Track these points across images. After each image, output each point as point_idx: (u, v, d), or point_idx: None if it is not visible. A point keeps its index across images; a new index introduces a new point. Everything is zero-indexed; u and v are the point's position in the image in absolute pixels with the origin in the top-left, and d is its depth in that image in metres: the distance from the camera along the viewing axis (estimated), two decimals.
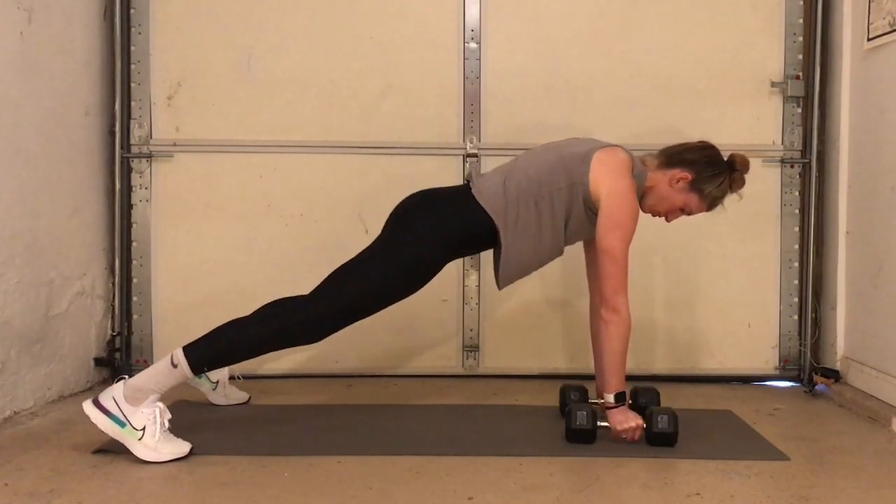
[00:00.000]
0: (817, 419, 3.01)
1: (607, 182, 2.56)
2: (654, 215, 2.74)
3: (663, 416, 2.55)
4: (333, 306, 2.52)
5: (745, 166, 2.67)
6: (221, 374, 3.00)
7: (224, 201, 3.50)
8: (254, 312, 2.55)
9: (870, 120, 3.21)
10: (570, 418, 2.58)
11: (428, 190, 2.71)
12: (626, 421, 2.56)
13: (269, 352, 2.57)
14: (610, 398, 2.58)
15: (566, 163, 2.60)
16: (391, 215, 2.67)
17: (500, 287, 2.73)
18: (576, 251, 2.89)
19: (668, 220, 2.74)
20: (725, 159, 2.67)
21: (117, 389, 2.39)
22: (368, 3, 3.49)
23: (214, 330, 2.51)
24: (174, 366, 2.43)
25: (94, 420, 2.37)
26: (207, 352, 2.47)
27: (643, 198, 2.69)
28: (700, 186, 2.64)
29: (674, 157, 2.67)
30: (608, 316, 2.55)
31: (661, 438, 2.55)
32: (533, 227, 2.60)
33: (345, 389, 3.35)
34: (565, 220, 2.61)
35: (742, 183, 2.68)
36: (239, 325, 2.52)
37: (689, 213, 2.71)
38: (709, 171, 2.64)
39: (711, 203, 2.69)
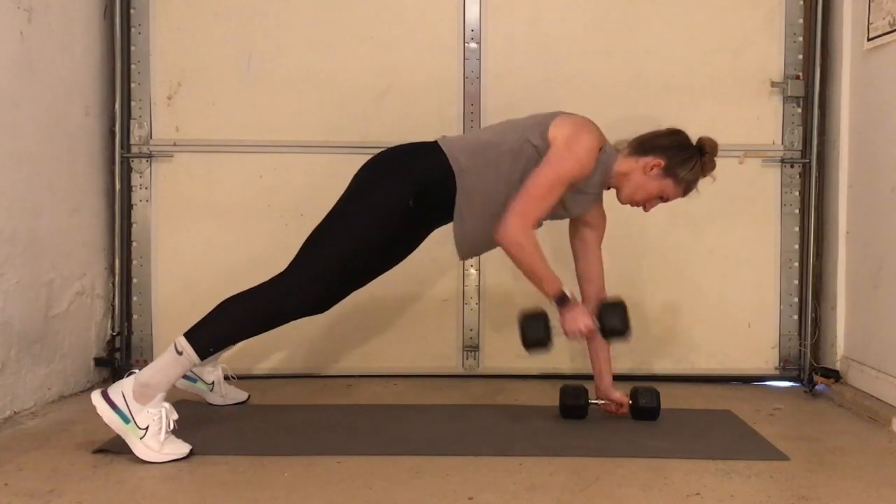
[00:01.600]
0: (817, 419, 3.02)
1: (564, 130, 2.59)
2: (632, 205, 2.75)
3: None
4: (312, 269, 2.54)
5: (714, 149, 2.69)
6: (216, 374, 2.99)
7: (224, 201, 3.50)
8: (246, 289, 2.56)
9: (870, 120, 3.21)
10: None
11: (391, 147, 2.76)
12: (574, 321, 2.56)
13: (269, 327, 2.56)
14: (553, 302, 2.57)
15: (535, 120, 2.65)
16: (355, 174, 2.71)
17: (461, 256, 2.76)
18: (566, 255, 2.90)
19: (645, 209, 2.75)
20: (694, 143, 2.70)
21: (126, 384, 2.39)
22: (368, 3, 3.49)
23: (211, 311, 2.52)
24: (179, 353, 2.42)
25: (99, 411, 2.36)
26: (209, 332, 2.48)
27: (619, 189, 2.72)
28: (674, 171, 2.66)
29: (645, 144, 2.70)
30: (501, 230, 2.53)
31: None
32: (490, 181, 2.60)
33: (345, 389, 3.35)
34: (524, 177, 2.59)
35: (713, 165, 2.70)
36: (233, 301, 2.53)
37: (665, 200, 2.73)
38: (680, 156, 2.66)
39: (686, 188, 2.70)
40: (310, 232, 3.43)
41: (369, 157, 3.43)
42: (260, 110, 3.48)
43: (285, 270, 2.57)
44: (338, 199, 2.66)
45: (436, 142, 2.70)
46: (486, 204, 2.60)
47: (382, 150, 2.75)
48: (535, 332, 2.57)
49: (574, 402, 2.83)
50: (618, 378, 2.98)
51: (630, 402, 2.83)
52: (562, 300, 2.57)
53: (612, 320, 2.59)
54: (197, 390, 2.97)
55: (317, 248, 2.57)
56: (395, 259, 2.76)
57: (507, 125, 2.71)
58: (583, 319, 2.56)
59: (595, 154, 2.60)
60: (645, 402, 2.81)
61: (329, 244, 2.57)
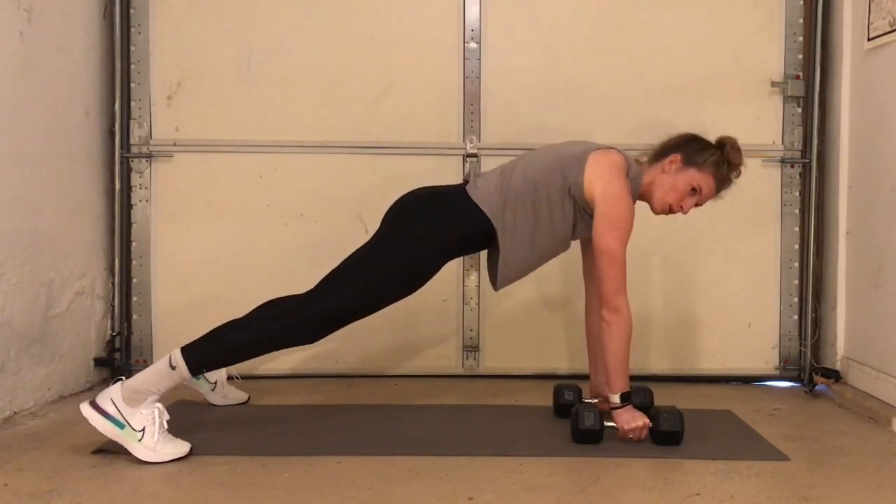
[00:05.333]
0: (817, 419, 3.01)
1: (602, 183, 2.57)
2: (669, 212, 2.71)
3: (669, 415, 2.56)
4: (332, 308, 2.51)
5: (733, 141, 2.67)
6: (220, 374, 3.00)
7: (224, 201, 3.50)
8: (251, 312, 2.56)
9: (870, 120, 3.21)
10: (578, 419, 2.56)
11: (424, 189, 2.72)
12: (633, 420, 2.56)
13: (267, 353, 2.57)
14: (615, 399, 2.57)
15: (562, 163, 2.61)
16: (388, 213, 2.68)
17: (496, 288, 2.73)
18: (574, 252, 2.89)
19: (684, 210, 2.69)
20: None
21: (115, 391, 2.38)
22: (368, 3, 3.49)
23: (212, 331, 2.50)
24: (172, 368, 2.41)
25: (92, 422, 2.36)
26: (205, 353, 2.47)
27: (650, 199, 2.70)
28: (692, 160, 2.64)
29: (660, 149, 2.71)
30: (609, 317, 2.55)
31: (667, 437, 2.55)
32: (530, 228, 2.61)
33: (345, 389, 3.34)
34: (562, 219, 2.62)
35: (737, 155, 2.66)
36: (237, 326, 2.51)
37: (698, 194, 2.66)
38: (695, 146, 2.66)
39: (716, 175, 2.65)
40: (309, 231, 3.43)
41: (369, 156, 3.48)
42: (260, 110, 3.48)
43: (297, 306, 2.51)
44: (367, 242, 2.63)
45: (466, 190, 2.64)
46: (528, 250, 2.63)
47: (412, 192, 2.68)
48: (588, 421, 2.55)
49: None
50: None
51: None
52: (627, 397, 2.58)
53: (667, 426, 2.55)
54: (199, 387, 2.97)
55: (338, 291, 2.52)
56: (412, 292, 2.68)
57: (535, 165, 2.64)
58: (641, 418, 2.57)
59: (629, 189, 2.60)
60: (638, 401, 2.73)
61: (350, 294, 2.53)
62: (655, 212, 2.72)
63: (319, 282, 2.56)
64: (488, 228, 2.60)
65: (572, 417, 2.59)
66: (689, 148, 2.66)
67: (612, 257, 2.54)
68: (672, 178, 2.66)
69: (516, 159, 2.74)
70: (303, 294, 2.55)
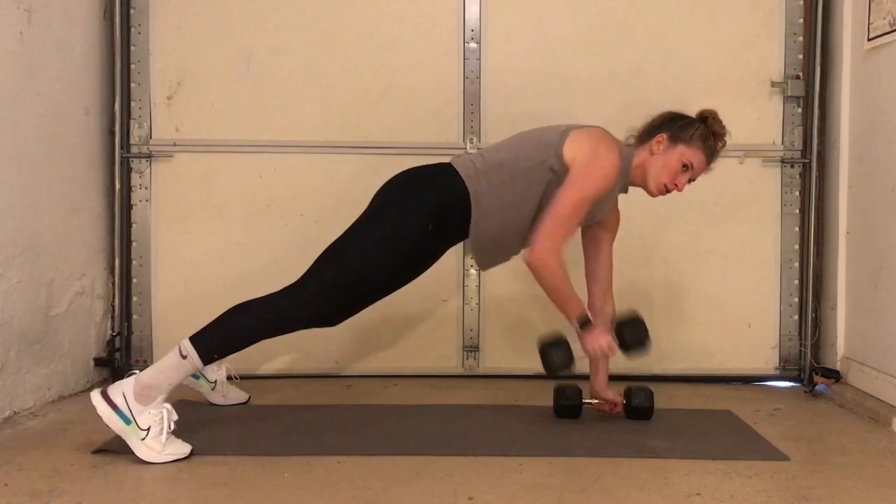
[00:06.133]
0: (817, 419, 3.01)
1: (582, 148, 2.59)
2: (666, 192, 2.71)
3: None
4: (332, 277, 2.52)
5: (714, 113, 2.70)
6: (220, 373, 3.00)
7: (224, 201, 3.50)
8: (257, 297, 2.55)
9: (870, 120, 3.21)
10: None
11: (409, 168, 2.74)
12: (596, 339, 2.60)
13: (276, 335, 2.55)
14: (575, 325, 2.61)
15: (544, 137, 2.64)
16: (375, 194, 2.70)
17: (481, 268, 2.80)
18: (576, 252, 2.89)
19: (679, 188, 2.70)
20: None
21: (127, 385, 2.37)
22: (368, 3, 3.49)
23: (219, 316, 2.50)
24: (183, 357, 2.41)
25: (99, 411, 2.36)
26: (215, 339, 2.47)
27: (644, 181, 2.71)
28: (679, 136, 2.67)
29: (645, 130, 2.75)
30: (529, 252, 2.56)
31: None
32: (504, 196, 2.61)
33: (345, 389, 3.35)
34: (545, 197, 2.61)
35: (722, 127, 2.69)
36: (243, 309, 2.51)
37: (690, 169, 2.67)
38: (679, 122, 2.70)
39: (705, 148, 2.67)
40: (309, 231, 3.45)
41: (369, 156, 3.48)
42: (260, 110, 3.48)
43: (298, 282, 2.54)
44: (357, 218, 2.65)
45: (450, 163, 2.69)
46: (503, 221, 2.63)
47: (401, 171, 2.72)
48: (558, 357, 2.60)
49: (568, 401, 2.84)
50: (617, 378, 2.99)
51: (624, 401, 2.84)
52: (584, 323, 2.61)
53: (632, 335, 2.62)
54: (199, 387, 2.98)
55: (332, 265, 2.55)
56: (411, 277, 2.72)
57: (518, 142, 2.70)
58: (604, 338, 2.60)
59: (617, 165, 2.61)
60: (638, 402, 2.82)
61: (345, 263, 2.55)
62: (652, 194, 2.73)
63: (319, 256, 2.58)
64: (465, 196, 2.60)
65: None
66: (673, 125, 2.69)
67: (559, 210, 2.54)
68: (662, 157, 2.67)
69: (506, 138, 2.77)
70: (303, 274, 2.57)
